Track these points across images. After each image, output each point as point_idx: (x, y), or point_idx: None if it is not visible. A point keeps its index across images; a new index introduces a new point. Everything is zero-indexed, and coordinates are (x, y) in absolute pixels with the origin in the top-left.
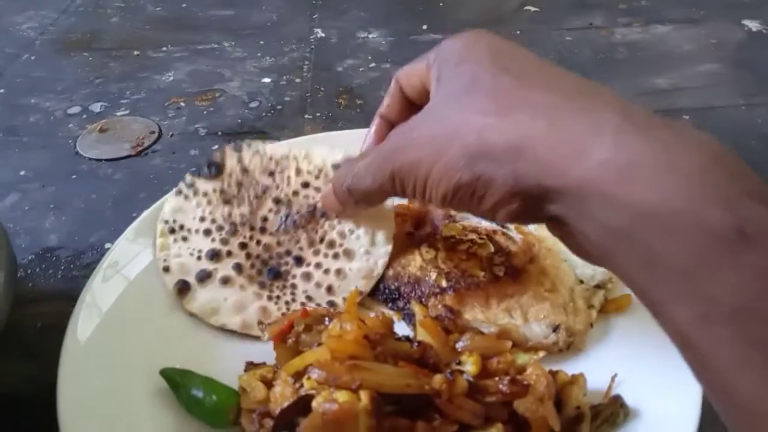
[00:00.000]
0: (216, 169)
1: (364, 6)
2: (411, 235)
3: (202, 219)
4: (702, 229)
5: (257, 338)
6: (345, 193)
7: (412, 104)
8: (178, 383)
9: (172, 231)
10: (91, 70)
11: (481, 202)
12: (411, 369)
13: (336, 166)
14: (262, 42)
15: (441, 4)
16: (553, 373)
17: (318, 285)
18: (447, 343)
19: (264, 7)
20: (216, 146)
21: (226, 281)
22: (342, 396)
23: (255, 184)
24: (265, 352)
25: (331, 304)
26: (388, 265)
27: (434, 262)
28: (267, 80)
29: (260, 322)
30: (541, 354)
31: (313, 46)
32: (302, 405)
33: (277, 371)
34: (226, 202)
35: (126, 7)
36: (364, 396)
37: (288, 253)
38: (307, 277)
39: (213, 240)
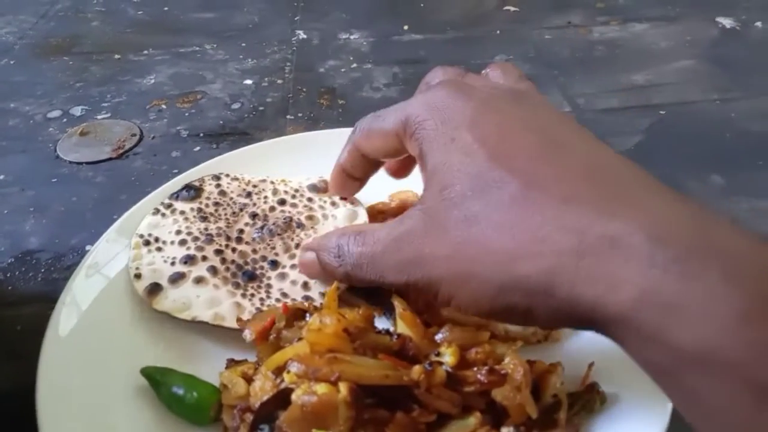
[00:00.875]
0: (194, 192)
1: (345, 8)
2: None
3: (179, 232)
4: (743, 381)
5: (238, 336)
6: (340, 274)
7: (374, 160)
8: (159, 381)
9: (147, 243)
10: (72, 74)
11: (518, 323)
12: (390, 361)
13: (311, 187)
14: (243, 44)
15: (422, 5)
16: (531, 363)
17: (293, 283)
18: (426, 335)
19: (246, 9)
20: (198, 148)
21: (199, 281)
22: (321, 388)
23: (232, 203)
24: (246, 350)
25: (307, 299)
26: None
27: None
28: (249, 82)
29: (239, 320)
30: (519, 344)
31: (294, 48)
32: (282, 398)
33: (258, 367)
34: (204, 219)
35: (107, 11)
36: (343, 388)
37: (264, 258)
38: (282, 276)
39: (188, 248)
